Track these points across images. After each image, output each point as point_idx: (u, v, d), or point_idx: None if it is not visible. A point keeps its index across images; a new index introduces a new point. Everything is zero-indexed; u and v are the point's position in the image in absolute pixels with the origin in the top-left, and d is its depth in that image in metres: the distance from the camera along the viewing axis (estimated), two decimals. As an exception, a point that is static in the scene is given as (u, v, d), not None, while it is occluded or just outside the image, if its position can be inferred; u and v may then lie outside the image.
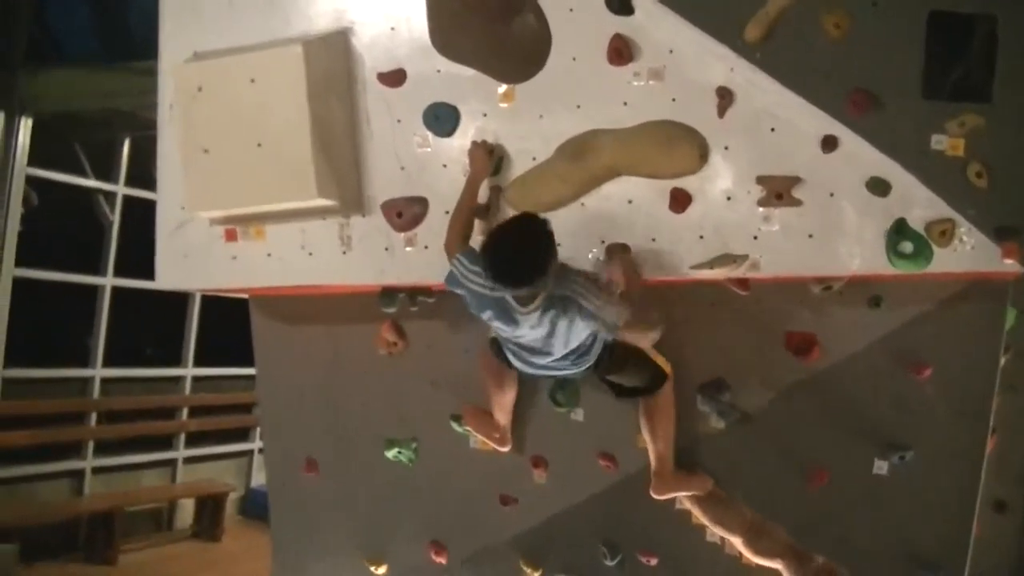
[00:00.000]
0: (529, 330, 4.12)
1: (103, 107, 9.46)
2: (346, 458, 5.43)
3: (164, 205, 5.18)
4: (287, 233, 4.89)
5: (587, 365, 4.32)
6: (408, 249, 4.69)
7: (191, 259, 5.11)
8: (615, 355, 4.32)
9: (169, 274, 5.24)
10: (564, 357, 4.25)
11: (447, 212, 4.52)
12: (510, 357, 4.42)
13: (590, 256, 4.39)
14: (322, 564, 5.61)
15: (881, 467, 4.42)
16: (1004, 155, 3.99)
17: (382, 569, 5.42)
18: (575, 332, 4.09)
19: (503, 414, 4.77)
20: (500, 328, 4.24)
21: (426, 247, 4.65)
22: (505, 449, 4.86)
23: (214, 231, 5.02)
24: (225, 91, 4.69)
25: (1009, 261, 3.99)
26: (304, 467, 5.53)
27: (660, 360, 4.38)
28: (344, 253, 4.82)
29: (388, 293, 4.92)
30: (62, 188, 9.97)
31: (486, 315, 4.20)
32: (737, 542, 4.55)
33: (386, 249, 4.73)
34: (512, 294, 4.03)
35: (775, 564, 4.47)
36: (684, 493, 4.52)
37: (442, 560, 5.24)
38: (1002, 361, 4.35)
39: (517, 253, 3.94)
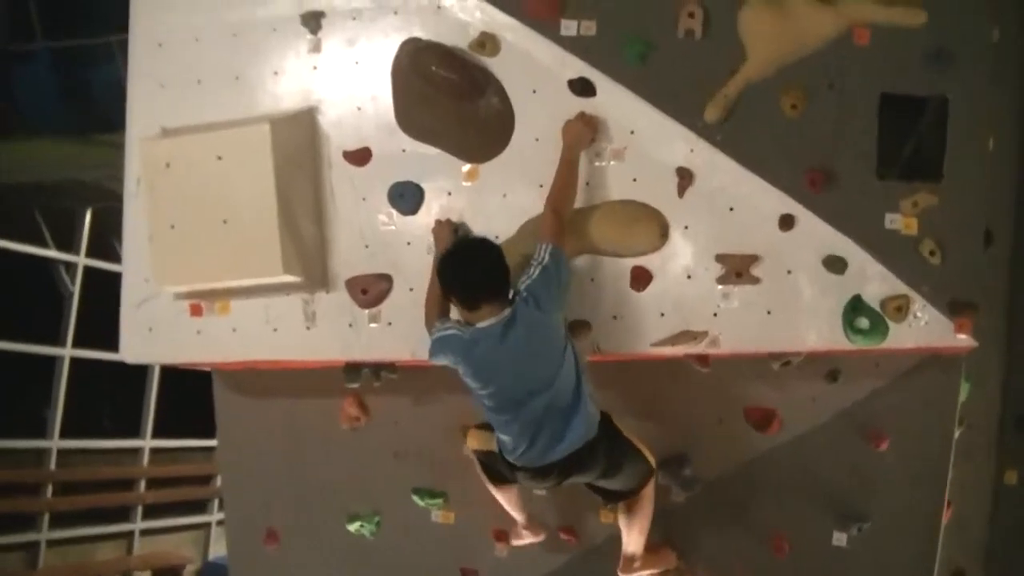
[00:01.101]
0: (501, 340, 3.98)
1: (65, 178, 9.48)
2: (308, 531, 5.39)
3: (129, 278, 5.16)
4: (252, 308, 4.88)
5: (580, 396, 4.08)
6: (372, 325, 4.70)
7: (156, 333, 5.07)
8: (614, 441, 4.21)
9: (134, 347, 5.21)
10: (550, 367, 4.01)
11: (411, 289, 4.56)
12: (506, 451, 4.23)
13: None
14: (283, 638, 5.56)
15: (840, 539, 4.48)
16: (955, 233, 4.12)
17: (344, 643, 5.38)
18: (539, 310, 3.98)
19: (516, 511, 4.72)
20: (484, 371, 4.07)
21: (390, 323, 4.66)
22: (540, 538, 4.81)
23: (179, 305, 5.00)
24: (192, 167, 4.70)
25: (962, 336, 4.10)
26: (265, 538, 5.49)
27: (647, 452, 4.32)
28: (308, 329, 4.82)
29: (352, 368, 4.91)
30: (22, 258, 9.94)
31: (470, 363, 4.07)
32: (696, 613, 4.59)
33: (350, 325, 4.74)
34: (482, 313, 4.00)
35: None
36: (650, 571, 4.53)
37: (404, 634, 5.21)
38: (957, 432, 4.43)
39: (481, 269, 4.01)
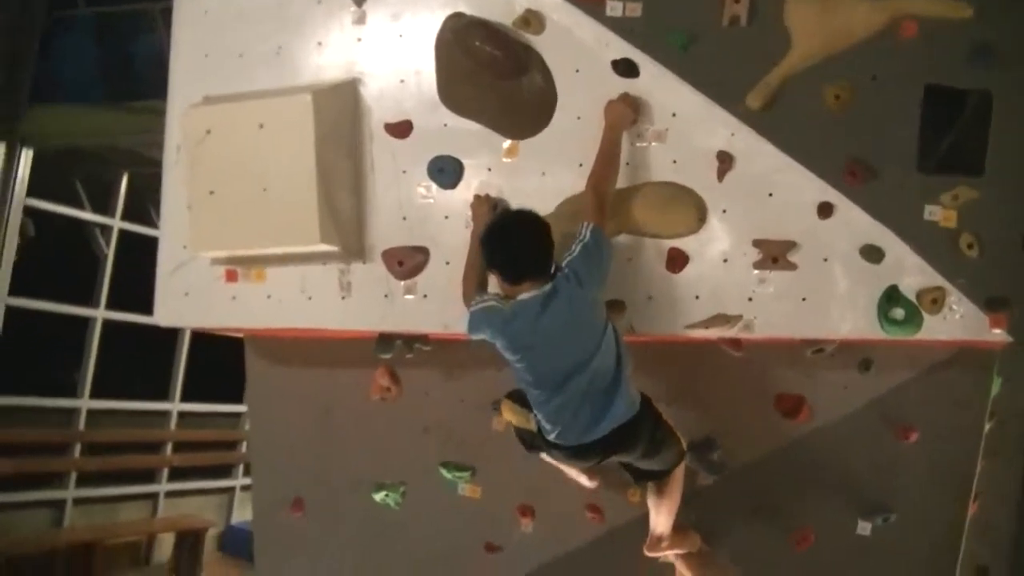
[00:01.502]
0: (540, 314, 3.99)
1: (103, 143, 9.56)
2: (333, 501, 5.43)
3: (166, 243, 5.21)
4: (287, 276, 4.91)
5: (621, 376, 4.09)
6: (408, 297, 4.72)
7: (191, 297, 5.12)
8: (656, 422, 4.22)
9: (168, 311, 5.26)
10: (589, 344, 4.02)
11: (448, 263, 4.58)
12: (544, 430, 4.23)
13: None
14: (306, 606, 5.61)
15: (865, 528, 4.49)
16: (995, 228, 4.10)
17: (367, 613, 5.42)
18: (580, 287, 3.99)
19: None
20: (522, 345, 4.09)
21: (425, 296, 4.68)
22: (593, 484, 4.75)
23: (215, 271, 5.04)
24: (233, 135, 4.73)
25: (997, 330, 4.09)
26: (290, 507, 5.54)
27: (679, 436, 4.32)
28: (343, 298, 4.83)
29: (384, 339, 4.93)
30: (59, 220, 10.04)
31: (507, 336, 4.09)
32: (719, 598, 4.60)
33: (385, 296, 4.75)
34: (524, 287, 4.03)
35: (755, 622, 4.53)
36: (675, 551, 4.54)
37: (426, 606, 5.25)
38: (987, 427, 4.43)
39: (529, 242, 4.05)
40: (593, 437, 4.10)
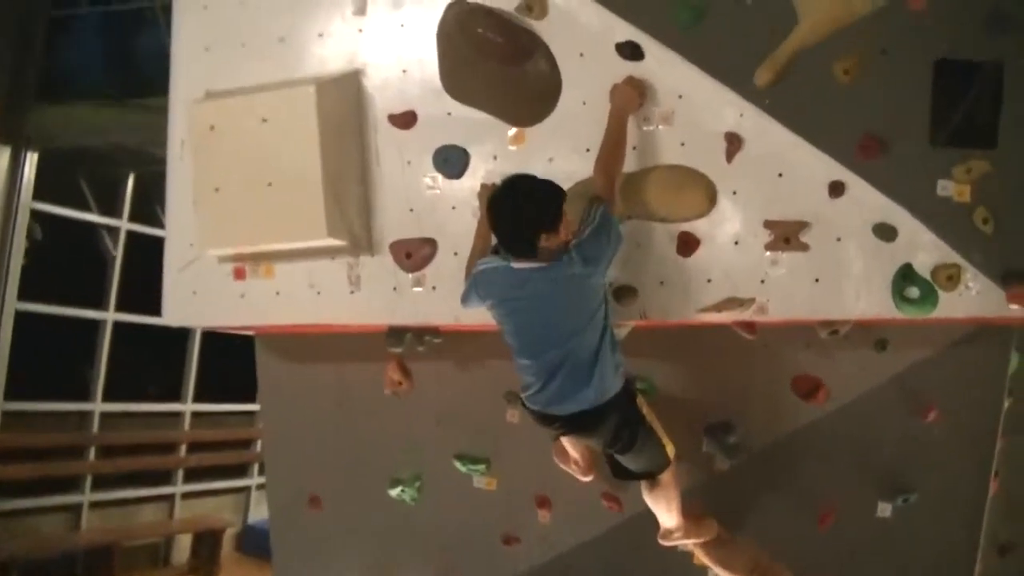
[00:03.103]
0: (527, 279, 3.99)
1: (109, 143, 9.54)
2: (350, 496, 5.43)
3: (173, 242, 5.18)
4: (296, 272, 4.88)
5: (597, 364, 4.02)
6: (416, 289, 4.68)
7: (199, 296, 5.09)
8: (629, 419, 4.16)
9: (177, 311, 5.23)
10: (574, 324, 3.99)
11: (456, 253, 4.53)
12: (522, 389, 4.23)
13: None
14: (325, 602, 5.59)
15: (885, 510, 4.46)
16: (1010, 201, 4.03)
17: (385, 608, 5.40)
18: (583, 265, 3.95)
19: (570, 447, 4.70)
20: (510, 308, 4.10)
21: (434, 288, 4.64)
22: (586, 478, 4.78)
23: (223, 269, 5.01)
24: (237, 130, 4.70)
25: (1014, 306, 4.01)
26: (307, 504, 5.52)
27: (668, 443, 4.25)
28: (352, 293, 4.80)
29: (395, 332, 4.91)
30: (66, 222, 10.03)
31: (496, 292, 4.10)
32: (740, 583, 4.56)
33: (394, 289, 4.72)
34: (520, 251, 3.99)
35: (777, 606, 4.50)
36: (692, 540, 4.50)
37: (445, 599, 5.23)
38: (1006, 404, 4.39)
39: (524, 204, 3.96)
40: (556, 412, 4.12)
